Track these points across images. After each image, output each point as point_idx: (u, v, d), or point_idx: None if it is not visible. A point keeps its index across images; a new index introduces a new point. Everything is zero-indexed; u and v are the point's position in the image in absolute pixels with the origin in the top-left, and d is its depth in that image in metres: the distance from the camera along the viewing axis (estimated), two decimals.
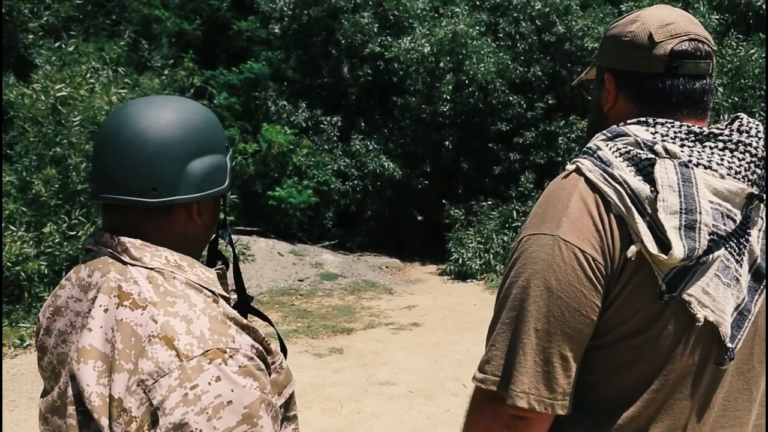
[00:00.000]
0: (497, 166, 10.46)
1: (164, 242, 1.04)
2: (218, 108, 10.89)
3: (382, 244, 11.18)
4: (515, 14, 10.62)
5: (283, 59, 11.78)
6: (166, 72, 9.81)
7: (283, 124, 11.08)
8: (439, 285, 9.00)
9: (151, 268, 1.00)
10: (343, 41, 11.02)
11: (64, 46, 7.72)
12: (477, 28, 10.37)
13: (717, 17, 9.19)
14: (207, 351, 0.90)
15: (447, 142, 10.59)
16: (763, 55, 8.34)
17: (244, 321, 1.01)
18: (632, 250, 0.97)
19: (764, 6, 9.20)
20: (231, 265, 1.24)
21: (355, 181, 11.05)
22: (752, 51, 8.45)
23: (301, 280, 8.75)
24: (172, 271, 1.00)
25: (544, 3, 10.16)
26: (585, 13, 10.06)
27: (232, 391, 0.89)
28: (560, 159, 10.10)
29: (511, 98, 10.16)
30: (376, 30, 10.89)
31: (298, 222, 10.57)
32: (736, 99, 8.39)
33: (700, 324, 0.98)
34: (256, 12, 12.22)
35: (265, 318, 1.31)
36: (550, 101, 10.33)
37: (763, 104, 8.18)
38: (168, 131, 1.01)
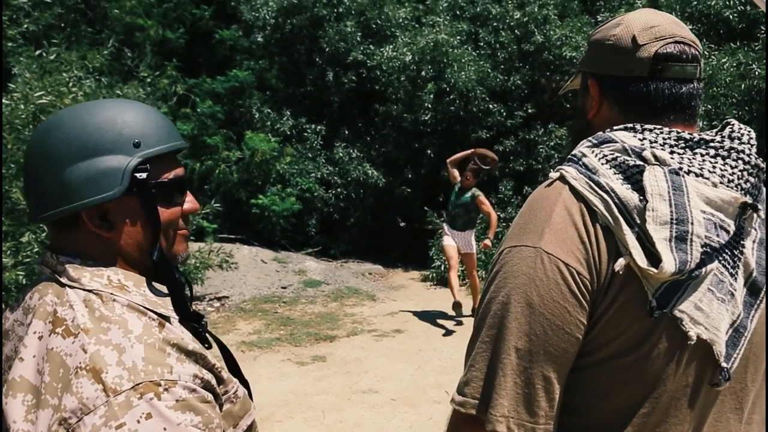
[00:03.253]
0: None
1: (94, 257, 0.93)
2: (202, 116, 10.75)
3: (364, 251, 11.09)
4: (495, 24, 10.62)
5: (266, 68, 11.68)
6: (148, 80, 9.65)
7: (266, 132, 10.97)
8: (422, 291, 8.91)
9: (89, 290, 0.89)
10: (327, 49, 10.95)
11: (45, 54, 7.54)
12: (458, 37, 10.35)
13: (690, 27, 9.24)
14: (137, 384, 0.80)
15: (429, 150, 10.53)
16: (734, 64, 8.40)
17: (190, 347, 0.89)
18: (620, 263, 0.89)
19: (736, 17, 9.25)
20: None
21: (339, 189, 10.96)
22: (723, 60, 8.51)
23: (285, 288, 8.62)
24: (112, 293, 0.89)
25: (523, 13, 10.17)
26: (563, 23, 10.08)
27: (165, 429, 0.78)
28: (539, 167, 10.09)
29: (491, 106, 10.14)
30: (359, 39, 10.84)
31: (282, 229, 10.44)
32: (710, 106, 8.44)
33: (693, 342, 0.91)
34: (238, 21, 12.11)
35: (216, 339, 1.17)
36: (530, 110, 10.33)
37: (735, 111, 8.23)
38: (44, 140, 0.92)
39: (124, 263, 0.96)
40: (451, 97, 10.08)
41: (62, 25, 9.12)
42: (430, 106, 10.10)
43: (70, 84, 7.03)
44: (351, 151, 11.01)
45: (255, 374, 5.21)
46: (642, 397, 0.93)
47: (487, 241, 6.68)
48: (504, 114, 10.27)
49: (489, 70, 10.13)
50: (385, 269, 10.44)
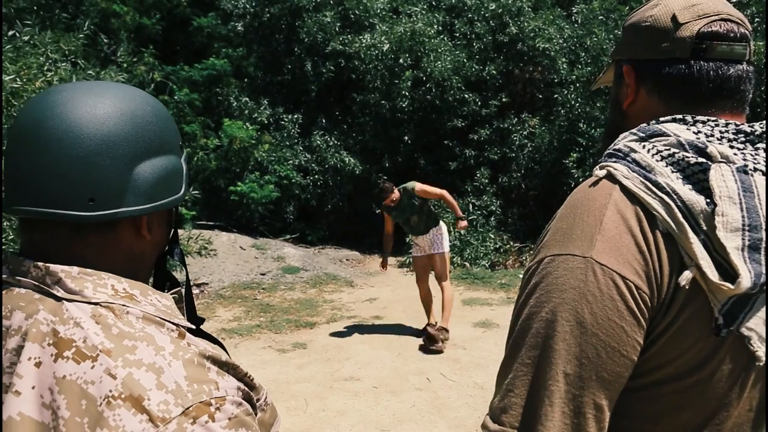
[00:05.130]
0: (453, 162, 10.32)
1: (105, 266, 0.77)
2: (179, 103, 10.42)
3: (341, 238, 10.93)
4: (470, 15, 10.48)
5: (244, 56, 11.36)
6: (125, 66, 9.28)
7: (244, 120, 10.69)
8: (399, 277, 8.79)
9: (95, 303, 0.72)
10: (306, 39, 10.68)
11: (18, 34, 7.12)
12: (434, 27, 10.19)
13: None
14: (188, 408, 0.66)
15: (406, 138, 10.39)
16: None
17: (223, 358, 0.76)
18: (686, 276, 0.75)
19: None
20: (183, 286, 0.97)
21: (316, 176, 10.76)
22: None
23: (264, 274, 8.42)
24: (123, 304, 0.73)
25: (498, 4, 10.04)
26: (536, 15, 9.99)
27: None
28: (513, 155, 10.02)
29: (466, 96, 10.02)
30: (337, 29, 10.59)
31: (260, 216, 10.22)
32: None
33: (762, 364, 0.77)
34: (216, 9, 11.75)
35: (217, 342, 1.04)
36: (504, 99, 10.24)
37: None
38: (109, 125, 0.75)
39: (133, 270, 0.81)
40: (428, 86, 9.94)
41: (35, 8, 8.67)
42: (407, 94, 9.94)
43: (45, 68, 6.67)
44: (328, 139, 10.81)
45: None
46: (700, 424, 0.80)
47: (463, 222, 5.36)
48: (479, 103, 10.17)
49: (464, 60, 10.00)
50: (362, 255, 10.30)
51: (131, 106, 0.78)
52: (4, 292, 0.75)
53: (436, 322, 5.61)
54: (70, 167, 0.73)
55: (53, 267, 0.73)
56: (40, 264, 0.73)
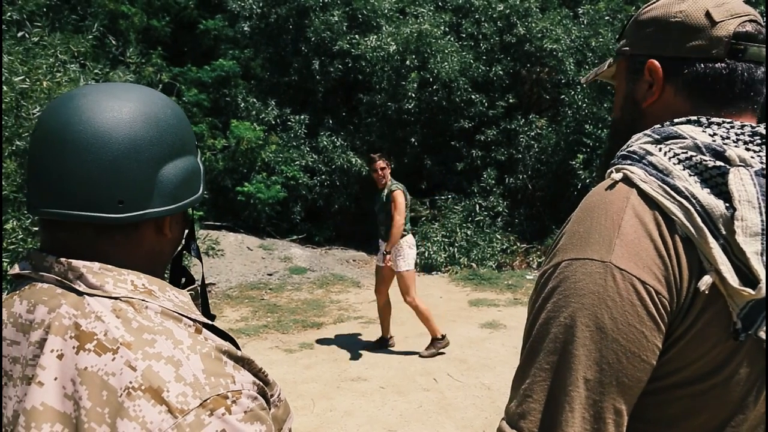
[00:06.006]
0: (460, 163, 10.30)
1: (127, 263, 0.79)
2: (187, 104, 10.46)
3: (348, 238, 10.92)
4: (477, 15, 10.46)
5: (251, 57, 11.38)
6: (133, 67, 9.31)
7: (252, 120, 10.71)
8: None
9: (116, 298, 0.74)
10: (312, 39, 10.68)
11: (28, 35, 7.17)
12: (441, 27, 10.17)
13: None
14: (206, 400, 0.68)
15: (412, 139, 10.38)
16: None
17: (239, 352, 0.78)
18: (706, 281, 0.74)
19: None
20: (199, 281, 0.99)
21: (323, 177, 10.77)
22: None
23: (271, 274, 8.43)
24: (142, 299, 0.75)
25: (505, 5, 10.02)
26: (544, 16, 9.96)
27: None
28: (519, 156, 9.99)
29: (473, 97, 10.00)
30: (344, 29, 10.59)
31: (267, 216, 10.24)
32: None
33: None
34: (223, 11, 11.78)
35: (230, 339, 1.05)
36: (511, 100, 10.22)
37: None
38: (136, 129, 0.77)
39: (151, 267, 0.83)
40: (434, 87, 9.92)
41: (44, 10, 8.72)
42: (413, 95, 9.93)
43: (54, 68, 6.71)
44: (335, 139, 10.81)
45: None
46: (716, 427, 0.80)
47: (388, 257, 4.99)
48: (486, 104, 10.15)
49: (471, 61, 9.98)
50: (369, 256, 10.29)
51: (154, 110, 0.80)
52: (27, 286, 0.77)
53: (391, 336, 5.53)
54: (101, 171, 0.74)
55: (75, 262, 0.75)
56: (63, 260, 0.75)
